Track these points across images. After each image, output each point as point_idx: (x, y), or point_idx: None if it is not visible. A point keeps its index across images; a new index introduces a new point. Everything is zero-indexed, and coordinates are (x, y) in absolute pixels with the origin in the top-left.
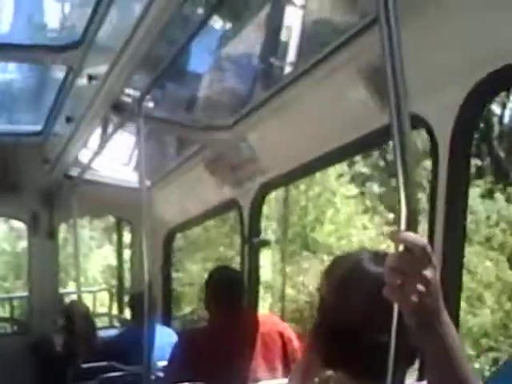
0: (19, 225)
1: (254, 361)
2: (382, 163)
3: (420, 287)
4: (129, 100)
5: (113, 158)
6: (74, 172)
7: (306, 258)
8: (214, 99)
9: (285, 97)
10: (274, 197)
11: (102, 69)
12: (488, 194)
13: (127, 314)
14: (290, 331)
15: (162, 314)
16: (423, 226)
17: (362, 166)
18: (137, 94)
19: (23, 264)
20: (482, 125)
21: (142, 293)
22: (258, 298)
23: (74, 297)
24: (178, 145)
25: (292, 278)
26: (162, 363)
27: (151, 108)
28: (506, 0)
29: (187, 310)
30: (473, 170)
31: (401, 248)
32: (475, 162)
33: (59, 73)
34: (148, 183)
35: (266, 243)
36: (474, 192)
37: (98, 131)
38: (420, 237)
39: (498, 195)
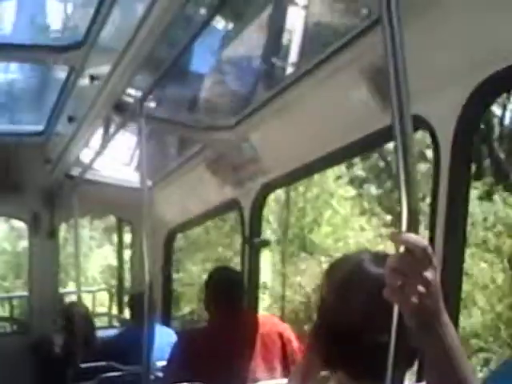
0: (20, 224)
1: (253, 361)
2: (381, 164)
3: (420, 288)
4: (131, 100)
5: (114, 158)
6: (76, 172)
7: (304, 259)
8: (216, 99)
9: (287, 97)
10: (273, 198)
11: (104, 69)
12: (486, 196)
13: (127, 313)
14: (289, 332)
15: (161, 314)
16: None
17: (359, 169)
18: (139, 94)
19: (23, 264)
20: (482, 126)
21: (142, 293)
22: (258, 299)
23: (74, 296)
24: (180, 145)
25: (289, 279)
26: (162, 363)
27: (153, 108)
28: (507, 0)
29: (187, 310)
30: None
31: (401, 249)
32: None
33: (61, 73)
34: (149, 183)
35: (266, 243)
36: (472, 194)
37: (100, 131)
38: (421, 238)
39: (496, 197)
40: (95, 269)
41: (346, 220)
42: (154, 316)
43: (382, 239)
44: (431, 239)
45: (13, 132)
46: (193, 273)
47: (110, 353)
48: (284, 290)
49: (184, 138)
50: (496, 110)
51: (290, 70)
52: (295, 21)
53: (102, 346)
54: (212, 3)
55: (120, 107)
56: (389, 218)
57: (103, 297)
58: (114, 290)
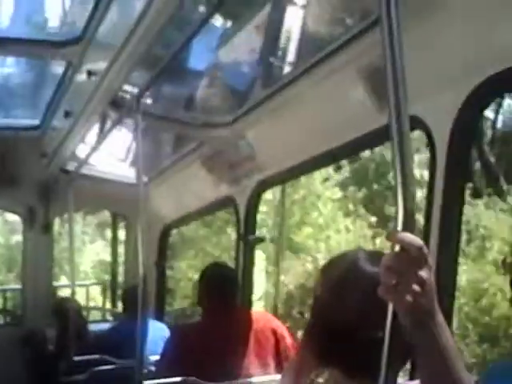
0: (13, 218)
1: (246, 357)
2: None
3: (415, 287)
4: (127, 96)
5: (110, 153)
6: (71, 166)
7: (288, 258)
8: (213, 97)
9: (284, 96)
10: (264, 200)
11: (101, 65)
12: (473, 199)
13: (120, 308)
14: (283, 328)
15: (154, 308)
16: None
17: (346, 171)
18: (136, 90)
19: (16, 257)
20: None
21: (136, 287)
22: (252, 295)
23: (68, 290)
24: (176, 141)
25: (272, 277)
26: (155, 357)
27: (150, 105)
28: (506, 4)
29: (180, 304)
30: None
31: (397, 248)
32: None
33: (58, 68)
34: (145, 179)
35: (261, 240)
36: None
37: (96, 126)
38: (416, 237)
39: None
40: (88, 264)
41: (331, 221)
42: (147, 310)
43: (365, 240)
44: (426, 239)
45: (9, 126)
46: (186, 268)
47: (103, 346)
48: (278, 289)
49: (180, 134)
50: (487, 113)
51: (287, 69)
52: (293, 20)
53: (95, 339)
54: (210, 1)
55: (117, 103)
56: (373, 219)
57: (96, 291)
58: (107, 284)
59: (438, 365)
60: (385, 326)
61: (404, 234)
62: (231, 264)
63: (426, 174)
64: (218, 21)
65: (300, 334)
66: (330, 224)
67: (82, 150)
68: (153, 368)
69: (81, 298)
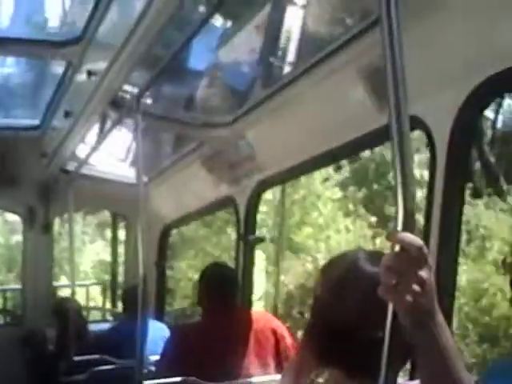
0: (14, 218)
1: (246, 357)
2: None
3: (415, 287)
4: (127, 96)
5: (110, 153)
6: (71, 166)
7: (288, 258)
8: (213, 97)
9: (284, 96)
10: (264, 200)
11: (101, 65)
12: (473, 199)
13: (120, 308)
14: (283, 328)
15: (154, 308)
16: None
17: (346, 171)
18: (136, 90)
19: (16, 257)
20: None
21: (135, 287)
22: (252, 295)
23: (68, 290)
24: (176, 141)
25: (272, 277)
26: (155, 357)
27: (150, 105)
28: (506, 3)
29: (180, 305)
30: None
31: (397, 248)
32: None
33: (58, 68)
34: (145, 179)
35: (261, 240)
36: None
37: (96, 126)
38: (416, 237)
39: (478, 201)
40: (88, 264)
41: (331, 221)
42: (147, 310)
43: (364, 239)
44: (426, 239)
45: (9, 126)
46: (186, 269)
47: (103, 346)
48: (278, 289)
49: (180, 134)
50: (488, 113)
51: (287, 69)
52: (293, 20)
53: (95, 339)
54: (210, 1)
55: (117, 103)
56: (373, 219)
57: (96, 291)
58: (107, 284)
59: (438, 365)
60: (385, 326)
61: (404, 234)
62: (231, 264)
63: (426, 173)
64: (218, 21)
65: (300, 334)
66: (329, 224)
67: (82, 150)
68: (153, 368)
69: (81, 298)
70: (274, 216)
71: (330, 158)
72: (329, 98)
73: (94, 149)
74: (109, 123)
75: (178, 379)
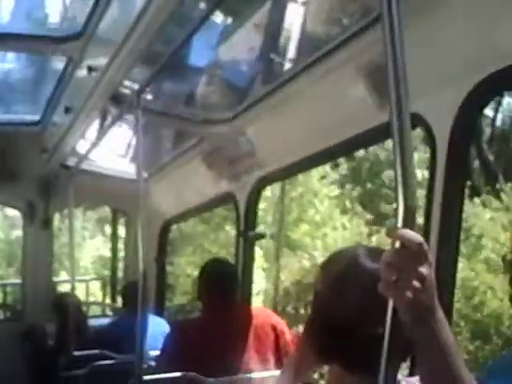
0: (14, 213)
1: (246, 353)
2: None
3: (415, 283)
4: (128, 92)
5: (110, 149)
6: (72, 162)
7: (285, 255)
8: (214, 93)
9: (285, 92)
10: (263, 197)
11: (102, 60)
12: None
13: (119, 303)
14: (282, 324)
15: (154, 304)
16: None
17: (344, 169)
18: (136, 86)
19: (16, 252)
20: None
21: (135, 282)
22: (252, 291)
23: (68, 285)
24: (176, 137)
25: (270, 273)
26: (155, 352)
27: (150, 100)
28: (506, 2)
29: (180, 300)
30: None
31: (397, 244)
32: None
33: (59, 63)
34: (145, 175)
35: (261, 237)
36: None
37: (97, 122)
38: (417, 234)
39: (476, 199)
40: (87, 259)
41: (327, 218)
42: (147, 305)
43: (361, 237)
44: (426, 236)
45: (9, 121)
46: (186, 264)
47: (103, 341)
48: (278, 286)
49: (180, 130)
50: (487, 111)
51: (287, 65)
52: (294, 17)
53: (95, 334)
54: None
55: (117, 99)
56: (369, 216)
57: (96, 286)
58: (107, 280)
59: (438, 361)
60: (385, 322)
61: (404, 231)
62: (230, 260)
63: (424, 173)
64: (218, 17)
65: (294, 329)
66: (326, 221)
67: (82, 146)
68: (153, 363)
69: (81, 293)
70: (273, 213)
71: (331, 154)
72: (329, 95)
73: (95, 144)
74: (109, 119)
75: (177, 374)
